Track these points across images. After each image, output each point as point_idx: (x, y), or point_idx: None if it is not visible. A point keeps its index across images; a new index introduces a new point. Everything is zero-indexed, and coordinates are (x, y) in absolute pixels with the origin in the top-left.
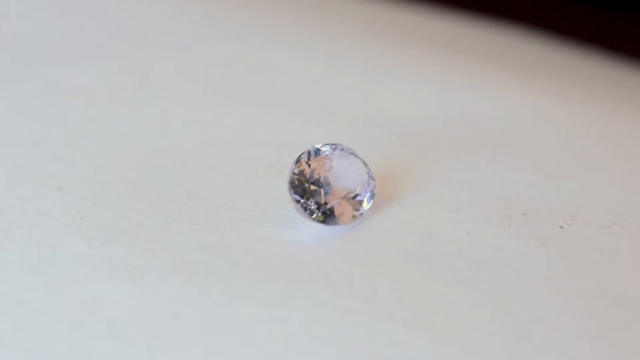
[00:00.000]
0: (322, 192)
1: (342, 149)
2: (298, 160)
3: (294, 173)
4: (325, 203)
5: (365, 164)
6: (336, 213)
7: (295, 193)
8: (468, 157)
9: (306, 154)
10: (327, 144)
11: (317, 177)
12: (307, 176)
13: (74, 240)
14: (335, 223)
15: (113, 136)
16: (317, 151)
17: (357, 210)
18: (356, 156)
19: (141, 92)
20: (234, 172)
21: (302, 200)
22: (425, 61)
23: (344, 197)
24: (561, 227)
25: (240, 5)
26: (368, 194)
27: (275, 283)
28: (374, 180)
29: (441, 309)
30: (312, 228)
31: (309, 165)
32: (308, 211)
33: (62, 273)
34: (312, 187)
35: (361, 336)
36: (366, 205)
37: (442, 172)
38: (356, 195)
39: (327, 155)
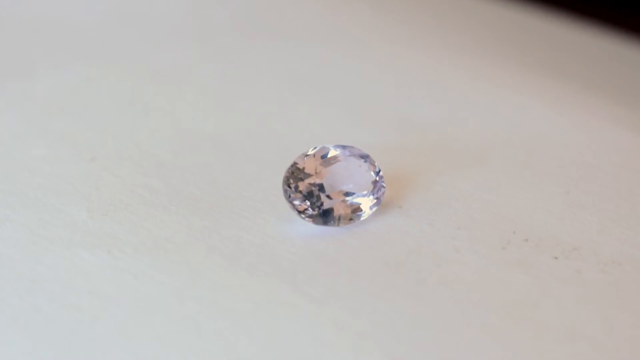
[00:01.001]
0: (316, 190)
1: (354, 153)
2: (301, 158)
3: (290, 168)
4: (321, 203)
5: (376, 170)
6: (331, 214)
7: (287, 187)
8: (502, 177)
9: (312, 151)
10: (340, 145)
11: (313, 174)
12: (305, 172)
13: (77, 208)
14: (326, 224)
15: (166, 117)
16: (325, 150)
17: (354, 214)
18: (366, 161)
19: (213, 78)
20: (267, 164)
21: (291, 196)
22: (511, 74)
23: (343, 200)
24: (555, 258)
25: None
26: (370, 200)
27: (239, 273)
28: (384, 187)
29: (384, 321)
30: (308, 226)
31: (311, 163)
32: (295, 208)
33: (47, 235)
34: (303, 185)
35: (289, 334)
36: (366, 210)
37: (466, 189)
38: (355, 199)
39: (335, 156)
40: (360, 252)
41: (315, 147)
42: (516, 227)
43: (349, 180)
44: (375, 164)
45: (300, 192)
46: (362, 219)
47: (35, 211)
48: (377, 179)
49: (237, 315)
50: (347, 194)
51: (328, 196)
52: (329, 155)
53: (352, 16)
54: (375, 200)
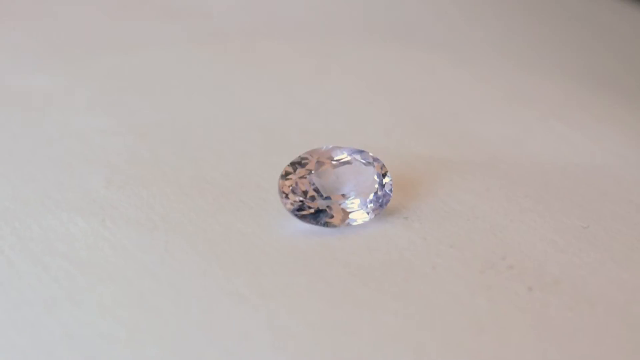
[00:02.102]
0: (311, 189)
1: (364, 157)
2: (305, 155)
3: (293, 162)
4: (314, 202)
5: (382, 178)
6: (322, 215)
7: (284, 179)
8: (530, 204)
9: (317, 150)
10: (352, 148)
11: (312, 171)
12: (306, 169)
13: (99, 178)
14: (317, 223)
15: (230, 106)
16: (334, 150)
17: (348, 218)
18: (374, 167)
19: (291, 71)
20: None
21: (284, 191)
22: (599, 101)
23: (338, 202)
24: (529, 289)
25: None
26: (367, 206)
27: (207, 257)
28: (389, 194)
29: (314, 322)
30: (304, 224)
31: (314, 160)
32: (287, 203)
33: (57, 199)
34: (300, 182)
35: (223, 321)
36: (361, 216)
37: (484, 210)
38: (351, 204)
39: (341, 157)
40: (337, 254)
41: (325, 146)
42: (510, 253)
43: (348, 184)
44: (385, 171)
45: (291, 188)
46: (355, 224)
47: (60, 175)
48: (381, 186)
49: (183, 297)
50: (344, 197)
51: (322, 196)
52: (335, 156)
53: (471, 23)
54: (374, 207)
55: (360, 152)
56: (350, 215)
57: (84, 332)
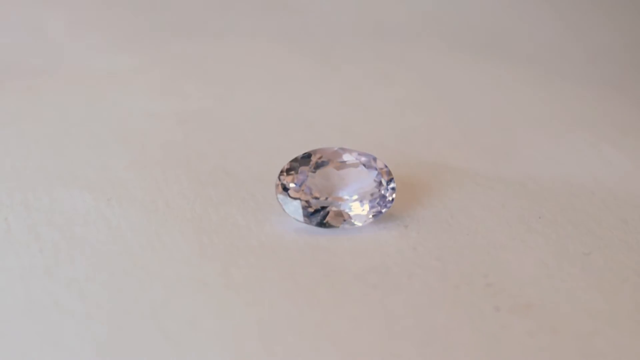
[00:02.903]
0: (306, 188)
1: (369, 163)
2: (309, 154)
3: (293, 160)
4: (308, 202)
5: (385, 184)
6: (316, 215)
7: (285, 174)
8: (539, 226)
9: (321, 150)
10: (359, 151)
11: (308, 171)
12: (301, 169)
13: (122, 158)
14: (311, 223)
15: (277, 100)
16: (340, 152)
17: (344, 221)
18: (381, 173)
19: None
20: None
21: (280, 187)
22: None
23: (337, 204)
24: (497, 310)
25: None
26: (365, 210)
27: (193, 244)
28: (390, 201)
29: (265, 317)
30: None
31: (315, 160)
32: (279, 200)
33: (77, 175)
34: (296, 178)
35: (172, 308)
36: (358, 219)
37: (488, 226)
38: (346, 207)
39: (347, 160)
40: (318, 254)
41: (333, 148)
42: (494, 272)
43: (349, 186)
44: (389, 177)
45: (284, 186)
46: (349, 227)
47: (90, 152)
48: (383, 192)
49: (150, 280)
50: (344, 198)
51: (318, 197)
52: (340, 157)
53: (561, 39)
54: (372, 212)
55: (368, 156)
56: (347, 218)
57: (45, 303)
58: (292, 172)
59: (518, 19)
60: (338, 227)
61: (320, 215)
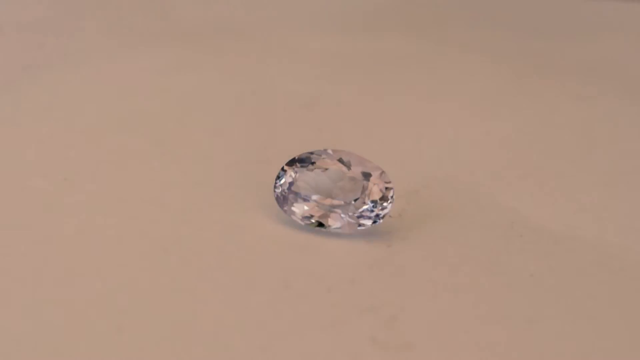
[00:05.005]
0: (300, 183)
1: (366, 174)
2: (314, 152)
3: (295, 157)
4: (295, 199)
5: (378, 200)
6: (298, 212)
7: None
8: (488, 280)
9: (329, 150)
10: (362, 159)
11: (293, 173)
12: (303, 164)
13: (140, 139)
14: (296, 217)
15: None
16: (346, 156)
17: (327, 222)
18: (376, 185)
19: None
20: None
21: (277, 181)
22: None
23: (324, 205)
24: (373, 341)
25: None
26: (349, 218)
27: (177, 236)
28: (380, 217)
29: (197, 310)
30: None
31: (318, 161)
32: (277, 192)
33: (69, 144)
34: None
35: (145, 289)
36: (335, 224)
37: (441, 265)
38: (335, 211)
39: (339, 169)
40: (289, 254)
41: (338, 152)
42: (390, 304)
43: (338, 190)
44: (385, 194)
45: (279, 181)
46: (327, 230)
47: (116, 131)
48: (376, 206)
49: (92, 263)
50: (331, 201)
51: (304, 197)
52: (339, 160)
53: None
54: (353, 222)
55: (376, 169)
56: (329, 221)
57: None
58: (293, 166)
59: None
60: (319, 227)
61: (313, 217)
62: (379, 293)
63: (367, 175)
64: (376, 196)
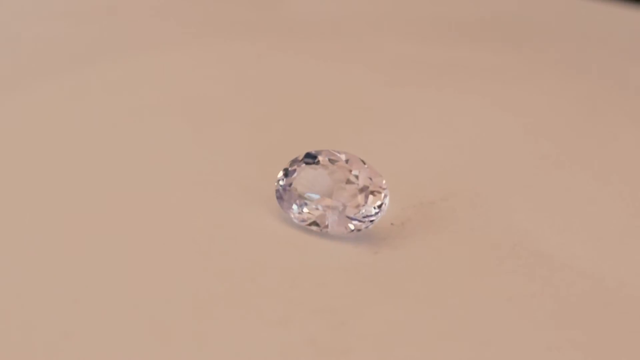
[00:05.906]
0: (301, 181)
1: (364, 179)
2: (320, 152)
3: (298, 159)
4: (289, 194)
5: (371, 206)
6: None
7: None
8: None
9: (334, 151)
10: (364, 165)
11: (295, 169)
12: (305, 163)
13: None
14: (291, 214)
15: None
16: (349, 157)
17: (322, 223)
18: (372, 192)
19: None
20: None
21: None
22: None
23: (320, 204)
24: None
25: None
26: (338, 222)
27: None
28: (370, 222)
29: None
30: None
31: (321, 160)
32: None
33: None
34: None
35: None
36: (323, 222)
37: (427, 281)
38: (316, 210)
39: (335, 170)
40: (271, 249)
41: (342, 154)
42: (349, 318)
43: (334, 192)
44: (380, 203)
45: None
46: (316, 229)
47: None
48: (369, 211)
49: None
50: (327, 201)
51: (308, 198)
52: (340, 161)
53: None
54: (352, 227)
55: (376, 175)
56: (323, 221)
57: None
58: (294, 169)
59: None
60: (313, 225)
61: (310, 217)
62: (341, 297)
63: (365, 180)
64: (370, 201)
